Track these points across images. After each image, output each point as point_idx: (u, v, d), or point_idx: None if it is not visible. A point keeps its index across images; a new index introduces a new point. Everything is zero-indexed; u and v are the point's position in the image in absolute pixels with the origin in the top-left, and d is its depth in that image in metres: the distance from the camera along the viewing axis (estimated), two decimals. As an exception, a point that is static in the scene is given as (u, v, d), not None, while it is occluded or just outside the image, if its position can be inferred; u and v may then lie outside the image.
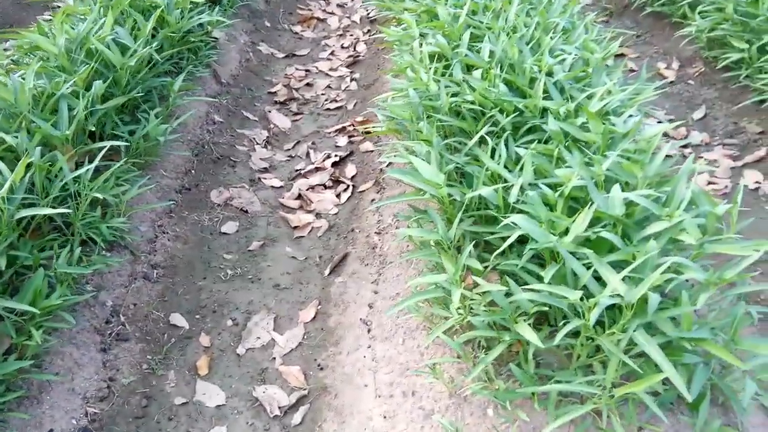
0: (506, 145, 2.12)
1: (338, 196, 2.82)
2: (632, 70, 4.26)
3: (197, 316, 2.17)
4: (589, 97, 2.29)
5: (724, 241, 1.65)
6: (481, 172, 1.93)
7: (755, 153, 3.21)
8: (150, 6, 3.03)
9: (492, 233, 1.84)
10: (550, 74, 2.38)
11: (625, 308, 1.47)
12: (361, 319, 2.07)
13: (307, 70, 4.05)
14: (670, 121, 3.66)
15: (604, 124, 1.99)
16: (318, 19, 4.88)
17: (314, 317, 2.20)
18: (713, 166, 3.21)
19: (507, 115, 2.23)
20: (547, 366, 1.62)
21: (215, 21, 3.41)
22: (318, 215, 2.71)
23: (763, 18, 3.42)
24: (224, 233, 2.57)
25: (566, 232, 1.66)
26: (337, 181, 2.93)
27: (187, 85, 2.99)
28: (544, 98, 2.33)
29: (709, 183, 3.07)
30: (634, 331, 1.45)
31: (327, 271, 2.35)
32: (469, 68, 2.55)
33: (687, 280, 1.64)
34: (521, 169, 1.91)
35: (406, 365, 1.78)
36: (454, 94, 2.34)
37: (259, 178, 2.94)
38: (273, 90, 3.77)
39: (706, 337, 1.46)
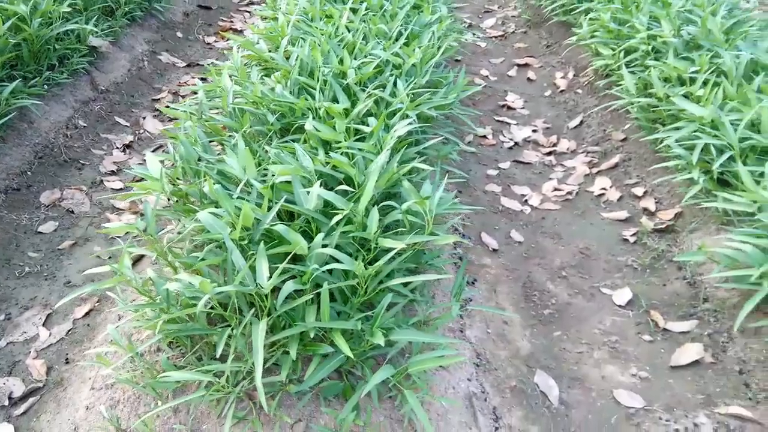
0: (269, 143, 2.14)
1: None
2: (530, 79, 4.24)
3: (-26, 310, 2.22)
4: (370, 96, 2.30)
5: (388, 236, 1.64)
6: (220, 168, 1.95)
7: (611, 160, 3.15)
8: (12, 14, 3.14)
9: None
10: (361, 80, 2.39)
11: (260, 299, 1.46)
12: (119, 315, 2.09)
13: (203, 79, 4.12)
14: (547, 129, 3.63)
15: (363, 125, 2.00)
16: (235, 30, 4.98)
17: (87, 313, 2.23)
18: (569, 173, 3.17)
19: (283, 116, 2.25)
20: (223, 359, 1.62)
21: (89, 30, 3.51)
22: (143, 215, 2.75)
23: (630, 25, 3.38)
24: (40, 233, 2.62)
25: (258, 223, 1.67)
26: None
27: (38, 90, 3.07)
28: (333, 100, 2.34)
29: (555, 189, 3.03)
30: (270, 319, 1.45)
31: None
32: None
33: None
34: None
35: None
36: (240, 95, 2.36)
37: (102, 181, 3.00)
38: (158, 97, 3.86)
39: (337, 327, 1.44)
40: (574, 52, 4.24)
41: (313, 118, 2.13)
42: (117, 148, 3.30)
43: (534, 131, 3.59)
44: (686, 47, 3.09)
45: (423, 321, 1.77)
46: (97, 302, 2.30)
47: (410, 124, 2.24)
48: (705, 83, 2.75)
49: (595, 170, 3.15)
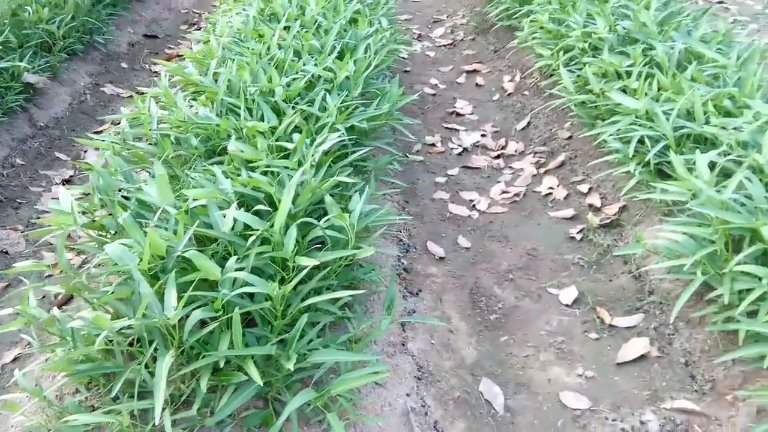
0: (193, 167, 2.08)
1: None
2: (478, 85, 4.24)
3: None
4: (297, 112, 2.25)
5: (310, 254, 1.59)
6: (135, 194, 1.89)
7: (557, 159, 3.14)
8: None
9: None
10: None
11: (168, 330, 1.40)
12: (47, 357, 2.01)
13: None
14: (496, 132, 3.62)
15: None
16: (181, 57, 4.93)
17: (15, 358, 2.15)
18: (517, 174, 3.15)
19: (209, 139, 2.20)
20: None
21: (23, 67, 3.44)
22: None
23: (566, 24, 3.40)
24: (-30, 275, 2.53)
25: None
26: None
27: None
28: (261, 119, 2.30)
29: (503, 192, 3.00)
30: (181, 351, 1.38)
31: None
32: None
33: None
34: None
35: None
36: (164, 121, 2.31)
37: (39, 218, 2.91)
38: (100, 129, 3.78)
39: (248, 354, 1.38)
40: (520, 55, 4.26)
41: (238, 138, 2.08)
42: (56, 183, 3.22)
43: (483, 136, 3.58)
44: (622, 42, 3.10)
45: (355, 338, 1.72)
46: (28, 345, 2.21)
47: (340, 137, 2.21)
48: (640, 76, 2.75)
49: (542, 170, 3.13)
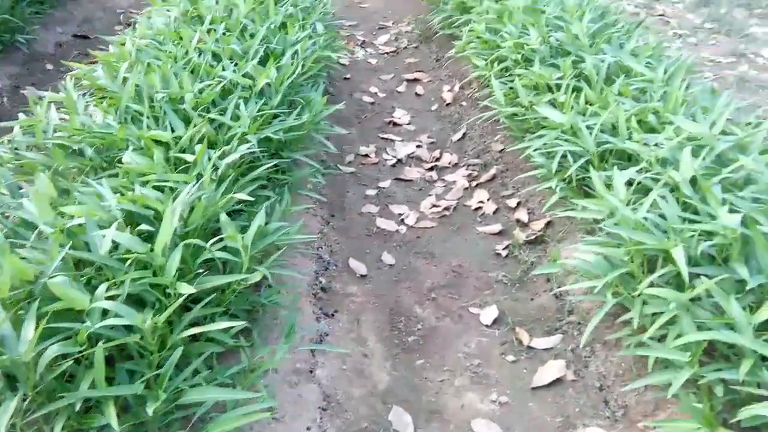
0: (84, 181, 1.93)
1: None
2: (418, 94, 4.17)
3: None
4: (205, 121, 2.12)
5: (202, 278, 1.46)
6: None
7: (489, 172, 3.09)
8: None
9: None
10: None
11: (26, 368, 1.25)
12: None
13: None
14: (432, 143, 3.55)
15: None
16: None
17: None
18: (449, 187, 3.08)
19: (107, 148, 2.05)
20: None
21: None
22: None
23: (500, 35, 3.35)
24: None
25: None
26: None
27: None
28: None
29: (433, 206, 2.93)
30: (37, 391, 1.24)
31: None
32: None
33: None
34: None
35: None
36: (60, 129, 2.14)
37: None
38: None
39: (110, 395, 1.25)
40: (460, 64, 4.21)
41: (138, 149, 1.94)
42: (-41, 193, 2.99)
43: (418, 147, 3.50)
44: (555, 54, 3.07)
45: (249, 368, 1.60)
46: None
47: (250, 148, 2.09)
48: (568, 89, 2.72)
49: (474, 183, 3.07)
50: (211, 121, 2.17)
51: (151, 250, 1.46)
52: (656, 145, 2.21)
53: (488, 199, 2.91)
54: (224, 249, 1.64)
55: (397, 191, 3.10)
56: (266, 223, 1.81)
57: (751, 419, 1.41)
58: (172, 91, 2.24)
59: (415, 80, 4.38)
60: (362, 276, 2.45)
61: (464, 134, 3.53)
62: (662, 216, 1.83)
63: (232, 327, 1.60)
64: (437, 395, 1.94)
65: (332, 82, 4.24)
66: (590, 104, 2.59)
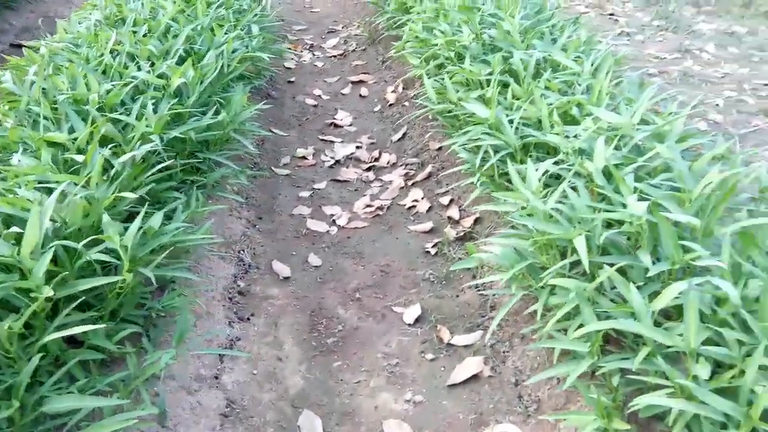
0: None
1: None
2: (362, 96, 4.13)
3: None
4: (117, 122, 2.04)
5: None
6: None
7: (425, 171, 3.05)
8: None
9: None
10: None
11: None
12: None
13: None
14: (372, 144, 3.50)
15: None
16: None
17: None
18: (386, 187, 3.03)
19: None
20: None
21: None
22: None
23: (435, 33, 3.32)
24: None
25: None
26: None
27: None
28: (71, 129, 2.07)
29: (367, 206, 2.87)
30: None
31: None
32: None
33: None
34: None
35: None
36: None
37: None
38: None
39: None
40: (404, 65, 4.17)
41: (28, 151, 1.85)
42: None
43: (358, 148, 3.45)
44: (488, 50, 3.04)
45: (134, 376, 1.52)
46: None
47: (154, 148, 2.01)
48: (498, 85, 2.69)
49: (410, 182, 3.03)
50: (118, 121, 2.09)
51: (19, 252, 1.38)
52: (575, 136, 2.18)
53: (423, 198, 2.87)
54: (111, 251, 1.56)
55: (332, 192, 3.04)
56: (165, 224, 1.74)
57: (647, 409, 1.37)
58: (77, 92, 2.15)
59: (360, 82, 4.34)
60: (285, 278, 2.38)
61: (404, 134, 3.49)
62: (572, 206, 1.80)
63: (120, 333, 1.52)
64: (351, 397, 1.87)
65: (275, 85, 4.18)
66: (517, 98, 2.56)
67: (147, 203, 2.03)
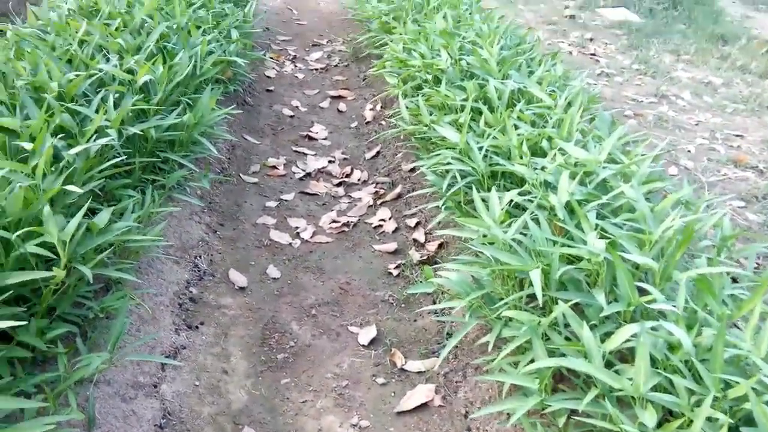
0: None
1: None
2: (340, 111, 4.11)
3: None
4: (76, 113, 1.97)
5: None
6: None
7: (395, 191, 3.02)
8: None
9: None
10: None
11: None
12: None
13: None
14: (345, 160, 3.47)
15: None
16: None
17: None
18: (354, 204, 2.99)
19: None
20: None
21: None
22: None
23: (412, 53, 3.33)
24: None
25: None
26: None
27: None
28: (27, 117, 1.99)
29: (333, 221, 2.83)
30: None
31: None
32: None
33: None
34: None
35: None
36: None
37: None
38: None
39: None
40: (385, 84, 4.17)
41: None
42: None
43: (330, 162, 3.41)
44: (464, 76, 3.05)
45: (63, 378, 1.44)
46: None
47: (110, 142, 1.95)
48: (471, 111, 2.69)
49: (380, 201, 3.00)
50: (77, 113, 2.02)
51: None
52: (542, 168, 2.18)
53: (390, 218, 2.84)
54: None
55: (299, 205, 2.99)
56: (113, 222, 1.67)
57: (592, 451, 1.34)
58: (36, 79, 2.08)
59: (340, 97, 4.32)
60: (241, 288, 2.31)
61: (378, 152, 3.47)
62: (532, 237, 1.78)
63: (54, 331, 1.44)
64: (296, 417, 1.81)
65: (253, 93, 4.13)
66: (489, 126, 2.56)
67: (101, 200, 1.97)
